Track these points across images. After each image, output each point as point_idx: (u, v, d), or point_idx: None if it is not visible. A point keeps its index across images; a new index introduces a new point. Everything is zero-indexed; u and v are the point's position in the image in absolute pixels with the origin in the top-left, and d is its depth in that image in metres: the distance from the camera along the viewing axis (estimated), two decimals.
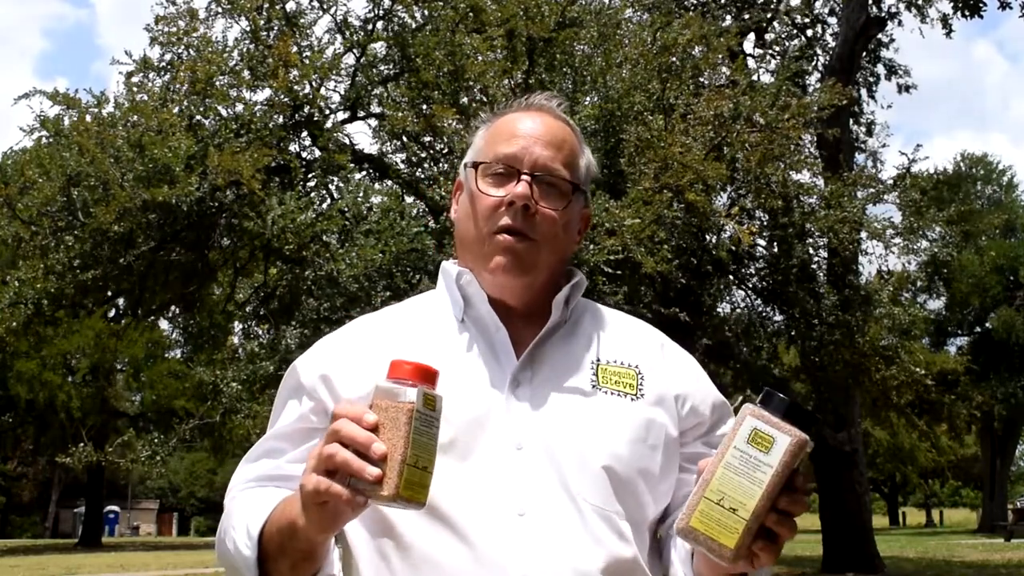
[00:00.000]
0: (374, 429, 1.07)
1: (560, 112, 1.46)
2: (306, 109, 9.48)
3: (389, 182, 10.46)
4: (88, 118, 9.37)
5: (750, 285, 12.30)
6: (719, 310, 12.26)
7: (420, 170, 10.09)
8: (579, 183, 1.41)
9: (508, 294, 1.38)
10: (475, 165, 1.41)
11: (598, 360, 1.38)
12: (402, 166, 10.43)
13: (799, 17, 17.25)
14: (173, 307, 13.06)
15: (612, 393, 1.35)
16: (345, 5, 15.22)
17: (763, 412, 1.08)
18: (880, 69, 18.30)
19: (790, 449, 1.05)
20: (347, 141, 10.18)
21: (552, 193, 1.37)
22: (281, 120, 9.43)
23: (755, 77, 12.64)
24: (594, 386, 1.35)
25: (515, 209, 1.34)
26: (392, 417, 1.08)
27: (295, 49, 9.39)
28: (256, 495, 1.31)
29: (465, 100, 9.33)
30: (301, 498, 1.12)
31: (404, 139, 10.05)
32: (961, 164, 35.05)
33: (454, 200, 1.49)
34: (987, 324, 32.89)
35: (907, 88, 18.20)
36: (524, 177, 1.36)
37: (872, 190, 11.54)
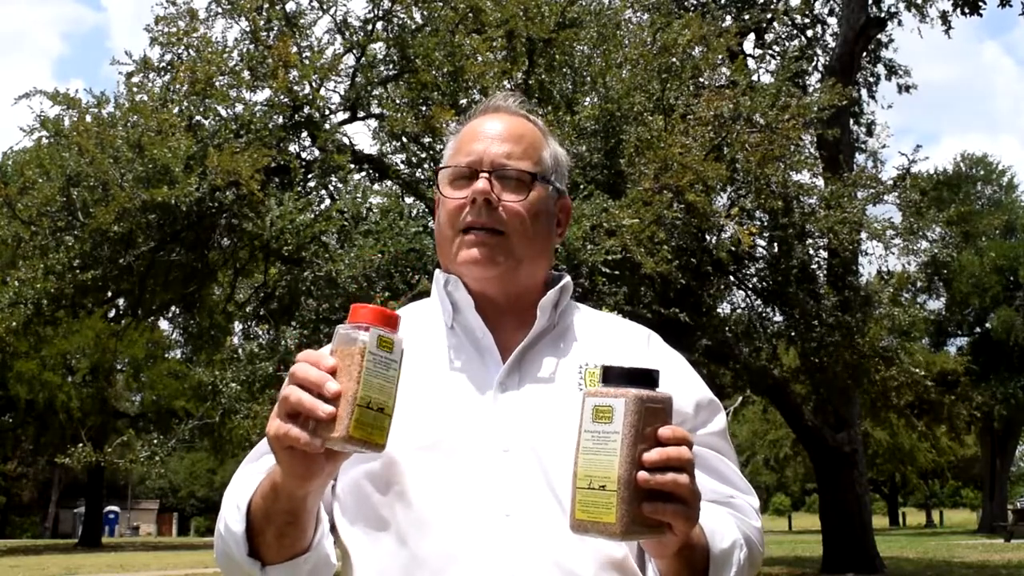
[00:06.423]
0: (333, 373, 1.06)
1: (519, 108, 1.49)
2: (306, 109, 9.48)
3: (389, 183, 10.46)
4: (88, 118, 9.36)
5: (750, 286, 12.30)
6: (719, 311, 12.26)
7: (420, 171, 10.09)
8: (541, 173, 1.43)
9: (489, 286, 1.40)
10: (440, 171, 1.47)
11: (585, 364, 1.39)
12: (402, 167, 10.43)
13: (799, 17, 17.27)
14: (173, 307, 13.05)
15: None
16: (345, 5, 15.26)
17: (600, 388, 1.09)
18: (880, 69, 18.34)
19: (630, 410, 1.06)
20: (347, 142, 10.18)
21: (512, 186, 1.41)
22: (281, 120, 9.43)
23: (755, 77, 12.66)
24: (581, 390, 1.35)
25: (478, 205, 1.38)
26: (347, 359, 1.06)
27: (295, 49, 9.39)
28: (245, 473, 1.31)
29: (465, 101, 9.33)
30: (270, 447, 1.12)
31: (404, 140, 10.05)
32: (961, 164, 35.06)
33: (436, 215, 1.53)
34: (987, 324, 32.89)
35: (907, 88, 18.22)
36: (483, 174, 1.39)
37: (872, 190, 11.55)
